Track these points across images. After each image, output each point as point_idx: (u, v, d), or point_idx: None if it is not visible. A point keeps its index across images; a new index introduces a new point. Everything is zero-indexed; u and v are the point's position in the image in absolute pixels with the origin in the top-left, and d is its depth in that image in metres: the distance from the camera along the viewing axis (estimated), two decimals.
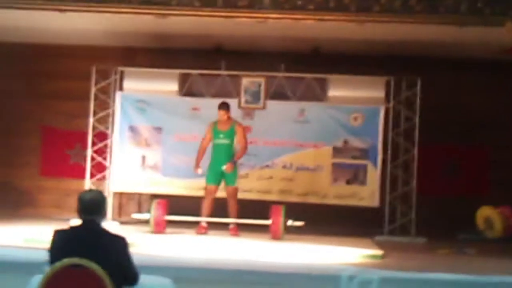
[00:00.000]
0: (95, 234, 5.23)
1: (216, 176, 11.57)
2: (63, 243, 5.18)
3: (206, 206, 11.59)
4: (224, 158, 11.50)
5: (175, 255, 8.98)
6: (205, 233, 11.47)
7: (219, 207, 11.69)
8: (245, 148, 11.63)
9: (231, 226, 11.56)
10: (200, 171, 11.64)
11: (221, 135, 11.59)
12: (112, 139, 13.30)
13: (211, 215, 11.58)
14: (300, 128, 12.95)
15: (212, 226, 11.67)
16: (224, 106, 11.61)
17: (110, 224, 11.47)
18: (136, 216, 12.03)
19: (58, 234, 5.27)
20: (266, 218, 11.18)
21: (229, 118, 11.65)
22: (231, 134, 11.58)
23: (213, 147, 11.69)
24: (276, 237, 11.09)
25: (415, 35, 12.01)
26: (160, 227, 11.32)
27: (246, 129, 12.00)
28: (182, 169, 12.93)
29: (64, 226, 5.45)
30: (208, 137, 11.75)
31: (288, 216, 11.19)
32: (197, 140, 12.49)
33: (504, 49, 12.02)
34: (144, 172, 13.23)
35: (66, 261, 4.96)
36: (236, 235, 11.39)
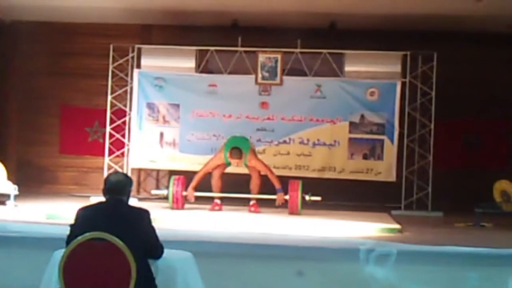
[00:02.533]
0: (119, 208, 5.33)
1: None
2: (87, 218, 5.26)
3: (215, 182, 11.56)
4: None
5: (194, 229, 9.06)
6: (219, 210, 11.49)
7: (236, 183, 11.73)
8: (270, 171, 11.42)
9: (251, 203, 11.54)
10: (193, 199, 11.46)
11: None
12: (130, 116, 13.39)
13: (222, 190, 11.62)
14: (317, 104, 12.97)
15: (230, 202, 11.72)
16: (237, 153, 11.16)
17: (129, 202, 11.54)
18: (155, 192, 12.13)
19: (83, 210, 5.36)
20: (284, 193, 11.24)
21: (240, 158, 11.26)
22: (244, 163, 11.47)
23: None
24: (293, 212, 11.16)
25: (432, 9, 11.99)
26: (178, 203, 11.41)
27: (256, 159, 11.54)
28: (200, 146, 13.01)
29: (85, 202, 5.54)
30: (215, 166, 11.52)
31: (305, 191, 11.24)
32: (214, 117, 12.60)
33: None
34: (162, 149, 13.31)
35: (88, 235, 5.04)
36: (257, 211, 11.39)
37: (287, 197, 11.23)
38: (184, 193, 11.44)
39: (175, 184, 11.42)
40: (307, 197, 11.26)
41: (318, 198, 11.39)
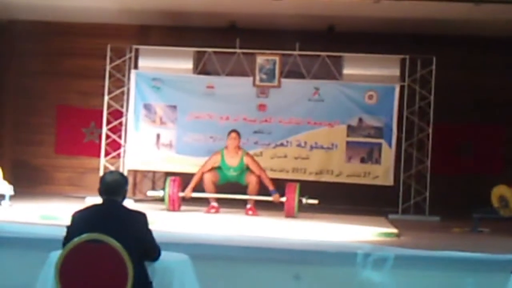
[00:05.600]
0: (116, 211, 5.32)
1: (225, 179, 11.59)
2: (83, 220, 5.24)
3: (208, 187, 11.46)
4: (237, 176, 11.48)
5: (190, 232, 9.02)
6: (215, 212, 11.42)
7: (232, 188, 11.65)
8: (265, 173, 11.50)
9: (248, 206, 11.46)
10: (190, 195, 11.45)
11: (231, 170, 11.45)
12: (126, 117, 13.35)
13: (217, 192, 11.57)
14: (315, 107, 12.94)
15: (228, 205, 11.68)
16: (235, 131, 11.46)
17: (124, 202, 11.50)
18: (151, 193, 12.08)
19: (79, 213, 5.34)
20: (281, 196, 11.20)
21: (238, 147, 11.44)
22: (241, 168, 11.43)
23: (222, 176, 11.56)
24: (290, 215, 11.12)
25: (431, 13, 11.98)
26: (175, 205, 11.36)
27: (253, 158, 11.67)
28: (197, 147, 12.98)
29: (80, 203, 5.52)
30: (211, 168, 11.54)
31: (302, 194, 11.21)
32: (211, 119, 12.57)
33: None
34: (158, 150, 13.27)
35: (85, 236, 5.02)
36: (254, 214, 11.31)
37: (283, 199, 11.18)
38: (181, 194, 11.39)
39: (171, 185, 11.38)
40: (304, 200, 11.22)
41: (315, 201, 11.36)
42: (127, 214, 5.32)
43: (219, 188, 11.58)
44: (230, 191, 11.49)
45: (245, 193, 11.45)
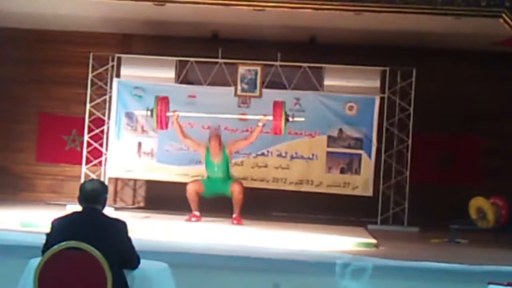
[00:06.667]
0: (96, 219, 5.32)
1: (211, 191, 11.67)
2: (63, 228, 5.24)
3: (192, 196, 11.51)
4: (221, 184, 11.55)
5: (170, 240, 9.03)
6: (196, 221, 11.43)
7: (217, 199, 11.71)
8: (250, 135, 11.87)
9: (234, 215, 11.46)
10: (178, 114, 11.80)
11: (216, 168, 11.56)
12: (108, 125, 13.36)
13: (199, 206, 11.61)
14: (294, 115, 12.97)
15: (212, 213, 11.71)
16: (216, 133, 11.70)
17: (105, 210, 11.50)
18: (139, 112, 12.45)
19: (58, 220, 5.34)
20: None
21: (219, 147, 11.57)
22: (225, 164, 11.57)
23: (208, 177, 11.67)
24: (277, 132, 11.44)
25: (411, 26, 12.05)
26: (162, 124, 11.59)
27: (234, 144, 11.93)
28: (178, 156, 12.99)
29: (61, 211, 5.53)
30: (197, 142, 11.87)
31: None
32: (193, 128, 12.60)
33: (499, 40, 12.10)
34: (139, 159, 13.28)
35: (64, 244, 5.02)
36: (239, 224, 11.34)
37: (270, 117, 11.33)
38: (168, 114, 11.56)
39: (159, 104, 11.51)
40: (290, 119, 11.41)
41: (302, 119, 11.68)
42: (106, 222, 5.32)
43: (203, 200, 11.62)
44: (214, 206, 11.56)
45: (230, 205, 11.47)
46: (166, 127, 11.72)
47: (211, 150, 11.52)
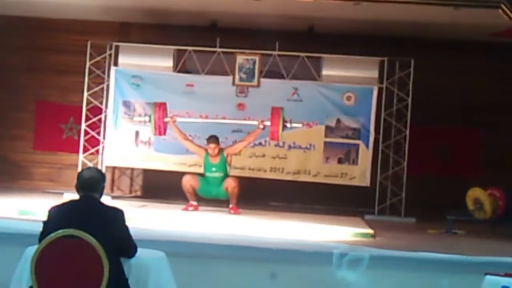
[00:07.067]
0: (93, 207, 5.32)
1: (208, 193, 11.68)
2: (60, 216, 5.25)
3: (188, 188, 11.49)
4: (217, 186, 11.52)
5: (167, 229, 9.02)
6: (193, 210, 11.41)
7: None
8: (247, 137, 11.84)
9: (231, 205, 11.44)
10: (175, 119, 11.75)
11: (214, 169, 11.52)
12: (105, 114, 13.33)
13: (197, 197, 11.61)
14: (294, 107, 12.92)
15: (209, 203, 11.70)
16: (214, 140, 11.49)
17: (102, 199, 11.49)
18: (138, 119, 12.39)
19: (55, 208, 5.35)
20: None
21: (218, 152, 11.54)
22: (223, 165, 11.54)
23: (206, 177, 11.62)
24: (274, 138, 11.43)
25: (410, 16, 12.04)
26: (160, 130, 11.56)
27: (232, 147, 11.88)
28: (175, 145, 12.94)
29: (58, 199, 5.53)
30: (196, 145, 11.84)
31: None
32: (190, 117, 12.57)
33: (498, 31, 12.09)
34: (137, 148, 13.27)
35: (61, 232, 5.02)
36: (236, 213, 11.32)
37: (268, 123, 11.30)
38: (166, 120, 11.53)
39: (156, 110, 11.48)
40: (288, 125, 11.37)
41: (299, 125, 11.62)
42: (104, 211, 5.33)
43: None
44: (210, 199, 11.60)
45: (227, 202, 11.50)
46: (164, 133, 11.66)
47: (210, 152, 11.46)
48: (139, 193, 14.11)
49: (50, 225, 5.21)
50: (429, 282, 7.38)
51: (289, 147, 13.06)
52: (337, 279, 7.20)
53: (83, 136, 13.37)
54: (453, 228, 10.89)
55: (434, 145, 13.76)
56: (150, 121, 11.55)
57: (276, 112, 11.28)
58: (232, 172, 11.76)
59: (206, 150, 11.55)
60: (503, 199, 11.16)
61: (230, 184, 11.30)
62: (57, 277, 5.03)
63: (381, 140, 13.00)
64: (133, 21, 14.06)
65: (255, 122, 11.58)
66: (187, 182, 11.45)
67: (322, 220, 10.96)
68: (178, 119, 11.77)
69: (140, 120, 12.21)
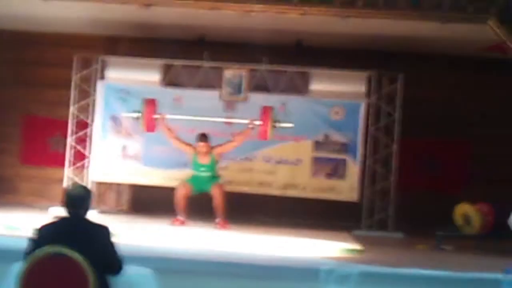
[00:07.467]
0: (79, 224, 5.31)
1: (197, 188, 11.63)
2: (49, 234, 5.23)
3: (179, 201, 11.49)
4: (206, 184, 11.53)
5: (154, 245, 8.98)
6: (180, 225, 11.37)
7: (200, 203, 11.65)
8: (238, 137, 11.84)
9: (218, 220, 11.42)
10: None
11: (202, 168, 11.57)
12: (92, 128, 13.27)
13: (186, 210, 11.55)
14: (281, 121, 12.92)
15: (196, 218, 11.64)
16: (204, 138, 11.54)
17: (88, 214, 11.42)
18: (127, 114, 12.38)
19: (44, 227, 5.33)
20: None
21: (208, 151, 11.58)
22: (212, 165, 11.59)
23: (194, 176, 11.64)
24: (263, 137, 11.51)
25: (398, 31, 12.06)
26: (149, 126, 11.61)
27: (221, 146, 11.87)
28: (163, 159, 12.93)
29: (43, 214, 5.49)
30: (184, 142, 11.85)
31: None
32: (178, 131, 12.50)
33: (487, 46, 12.11)
34: (124, 162, 13.21)
35: (47, 249, 5.00)
36: (224, 228, 11.29)
37: (258, 122, 11.35)
38: (155, 116, 11.55)
39: (146, 106, 11.56)
40: (277, 124, 11.51)
41: (289, 125, 11.71)
42: (89, 228, 5.32)
43: (189, 206, 11.58)
44: (198, 210, 11.53)
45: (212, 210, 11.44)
46: (154, 129, 11.68)
47: (198, 152, 11.47)
48: (125, 208, 14.01)
49: (39, 243, 5.19)
50: None
51: (277, 161, 13.04)
52: None
53: (69, 151, 13.30)
54: (441, 244, 10.87)
55: (422, 160, 13.75)
56: (138, 118, 11.67)
57: (267, 110, 11.32)
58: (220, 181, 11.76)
59: (194, 148, 11.52)
60: (492, 215, 11.17)
61: (216, 192, 11.38)
62: None
63: (369, 154, 12.98)
64: (121, 35, 13.99)
65: (246, 121, 11.61)
66: (180, 193, 11.47)
67: (310, 235, 10.93)
68: (168, 117, 11.87)
69: (129, 116, 12.23)
